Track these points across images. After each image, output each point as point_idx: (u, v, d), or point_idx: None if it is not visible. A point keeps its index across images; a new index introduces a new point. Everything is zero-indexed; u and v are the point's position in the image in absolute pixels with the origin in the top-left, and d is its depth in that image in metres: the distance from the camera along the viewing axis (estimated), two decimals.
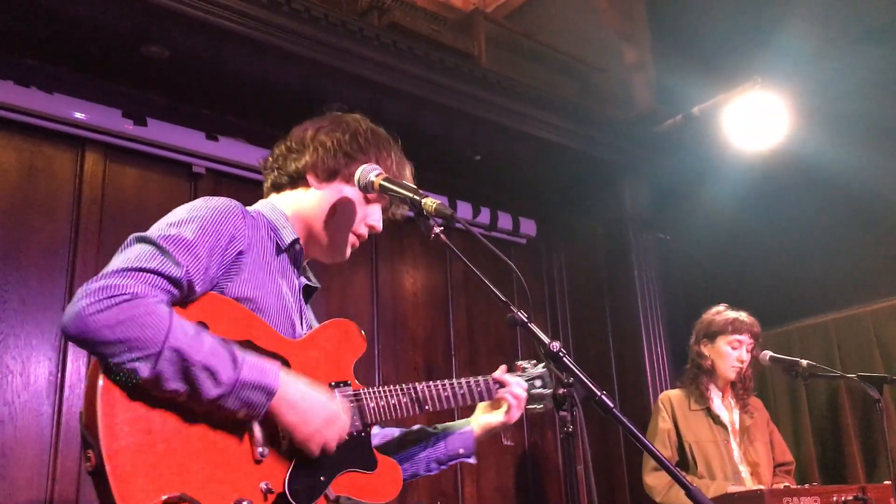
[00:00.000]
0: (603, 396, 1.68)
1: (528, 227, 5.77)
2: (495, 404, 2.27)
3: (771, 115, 4.92)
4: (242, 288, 1.78)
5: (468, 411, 2.37)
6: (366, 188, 1.99)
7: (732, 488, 3.48)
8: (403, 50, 4.40)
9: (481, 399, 2.21)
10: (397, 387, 2.03)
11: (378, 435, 2.21)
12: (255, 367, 1.64)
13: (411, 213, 1.96)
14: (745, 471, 3.76)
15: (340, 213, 2.01)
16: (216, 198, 1.83)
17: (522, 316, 1.79)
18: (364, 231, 2.06)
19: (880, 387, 3.61)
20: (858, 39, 4.94)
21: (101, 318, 1.51)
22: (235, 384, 1.59)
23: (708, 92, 5.24)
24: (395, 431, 2.25)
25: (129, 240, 1.70)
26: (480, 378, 2.22)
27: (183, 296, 1.66)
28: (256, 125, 4.52)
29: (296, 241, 1.97)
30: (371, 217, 2.05)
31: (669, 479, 3.61)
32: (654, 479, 3.77)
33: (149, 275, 1.60)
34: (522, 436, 5.43)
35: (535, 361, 2.39)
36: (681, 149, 5.53)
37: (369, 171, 1.99)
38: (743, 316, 3.94)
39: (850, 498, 3.23)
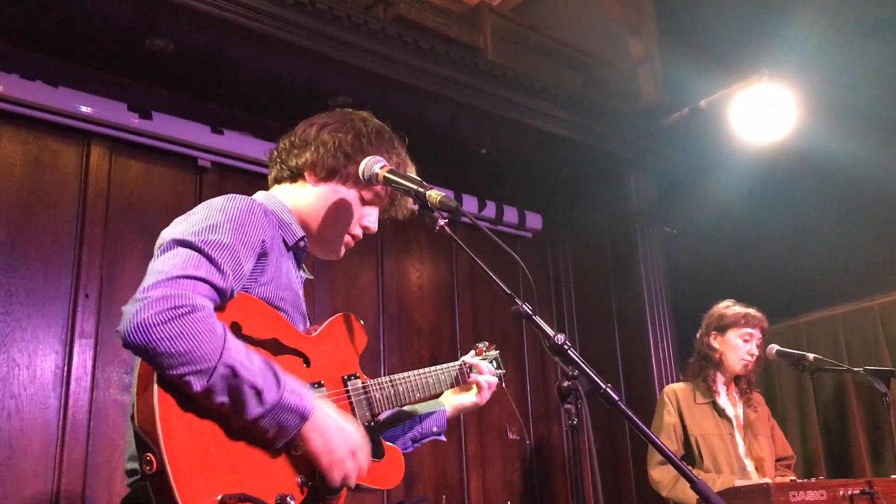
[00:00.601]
0: (608, 389, 1.67)
1: (534, 220, 5.76)
2: (465, 386, 2.41)
3: (778, 108, 4.89)
4: (267, 287, 1.82)
5: None
6: (370, 180, 1.99)
7: (739, 482, 3.47)
8: (409, 43, 4.39)
9: (457, 384, 2.36)
10: (392, 377, 2.11)
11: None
12: (295, 391, 1.67)
13: (415, 207, 1.98)
14: (750, 465, 3.75)
15: (335, 213, 2.02)
16: (240, 197, 1.84)
17: (527, 309, 1.78)
18: (359, 232, 2.07)
19: (887, 381, 3.60)
20: (866, 32, 4.91)
21: (164, 329, 1.53)
22: (276, 405, 1.63)
23: (715, 85, 5.22)
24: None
25: (167, 242, 1.70)
26: (456, 364, 2.37)
27: (224, 302, 1.70)
28: (261, 118, 4.52)
29: (302, 238, 1.99)
30: (367, 218, 2.06)
31: (675, 473, 3.60)
32: (660, 474, 3.76)
33: (201, 284, 1.62)
34: (528, 429, 5.43)
35: (487, 343, 2.54)
36: (687, 142, 5.51)
37: (374, 164, 1.99)
38: (753, 311, 3.95)
39: (857, 492, 3.21)
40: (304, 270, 2.08)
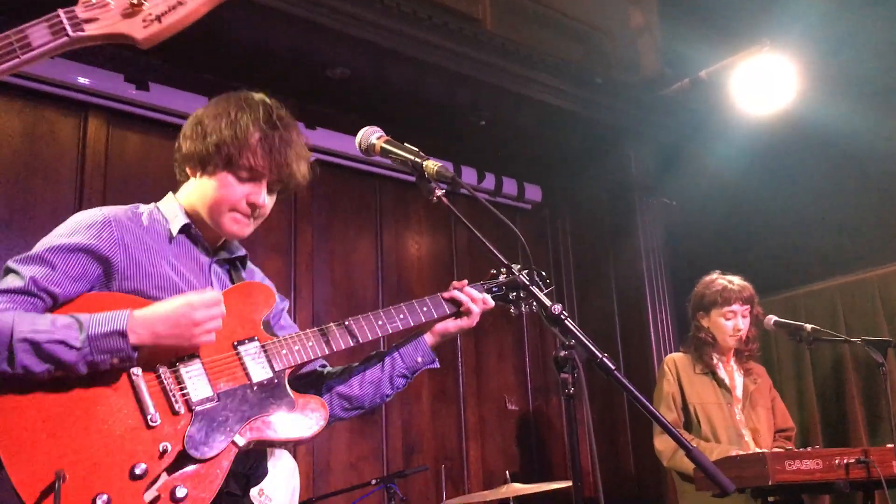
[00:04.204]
0: (604, 359, 1.69)
1: (534, 192, 5.75)
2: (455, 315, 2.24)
3: (779, 79, 4.87)
4: (124, 284, 1.88)
5: None
6: (367, 151, 2.01)
7: (735, 452, 3.50)
8: (407, 13, 4.35)
9: (429, 317, 2.18)
10: (319, 328, 2.06)
11: (334, 372, 2.25)
12: (102, 320, 1.74)
13: (304, 176, 2.02)
14: (747, 434, 3.78)
15: (216, 199, 2.00)
16: (85, 212, 1.94)
17: (524, 279, 1.79)
18: (246, 208, 2.02)
19: (884, 351, 3.60)
20: (869, 1, 4.87)
21: None
22: (89, 340, 1.71)
23: (715, 55, 5.18)
24: (353, 365, 2.26)
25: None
26: (426, 298, 2.19)
27: (46, 304, 1.80)
28: (259, 90, 4.48)
29: (186, 226, 2.02)
30: (252, 195, 2.01)
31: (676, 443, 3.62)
32: (662, 444, 3.78)
33: None
34: (527, 400, 5.46)
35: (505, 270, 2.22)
36: (687, 113, 5.49)
37: (371, 134, 2.00)
38: (732, 284, 3.89)
39: (853, 461, 3.24)
40: (226, 251, 2.11)
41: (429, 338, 2.21)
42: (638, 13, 5.55)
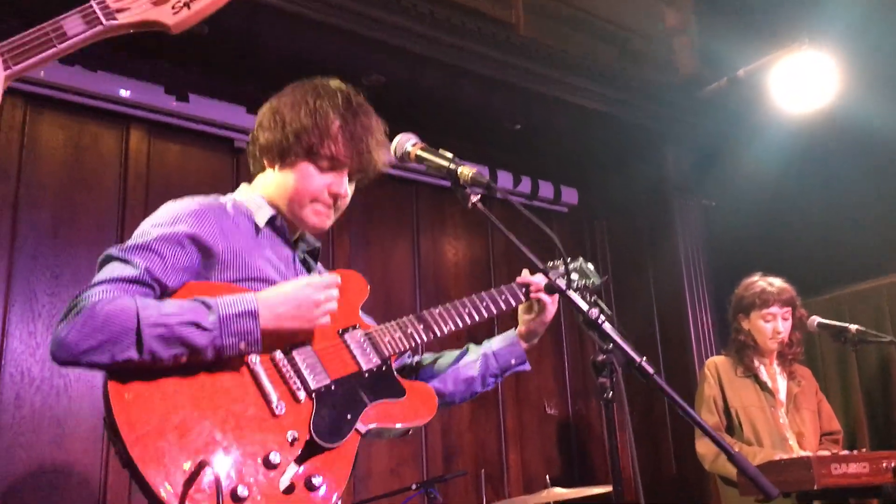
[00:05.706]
0: (643, 363, 1.68)
1: (570, 195, 5.73)
2: (529, 308, 2.28)
3: (819, 77, 4.79)
4: (223, 275, 1.84)
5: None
6: (402, 158, 2.02)
7: (780, 456, 3.45)
8: (440, 20, 4.37)
9: (509, 305, 2.22)
10: (412, 316, 2.07)
11: (428, 359, 2.27)
12: (231, 302, 1.71)
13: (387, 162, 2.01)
14: (791, 438, 3.72)
15: (297, 190, 1.98)
16: (178, 200, 1.89)
17: (560, 283, 1.79)
18: (328, 199, 2.00)
19: None
20: None
21: (76, 334, 1.60)
22: (220, 322, 1.67)
23: (753, 53, 5.12)
24: (444, 354, 2.28)
25: (101, 258, 1.82)
26: (503, 286, 2.22)
27: (156, 293, 1.75)
28: None
29: (273, 218, 1.99)
30: (333, 185, 1.99)
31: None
32: (704, 448, 3.74)
33: (108, 283, 1.70)
34: (566, 405, 5.44)
35: (570, 258, 2.26)
36: (725, 113, 5.43)
37: (405, 142, 2.02)
38: (772, 286, 3.83)
39: None
40: (304, 243, 2.09)
41: (522, 341, 2.26)
42: (673, 13, 5.51)
